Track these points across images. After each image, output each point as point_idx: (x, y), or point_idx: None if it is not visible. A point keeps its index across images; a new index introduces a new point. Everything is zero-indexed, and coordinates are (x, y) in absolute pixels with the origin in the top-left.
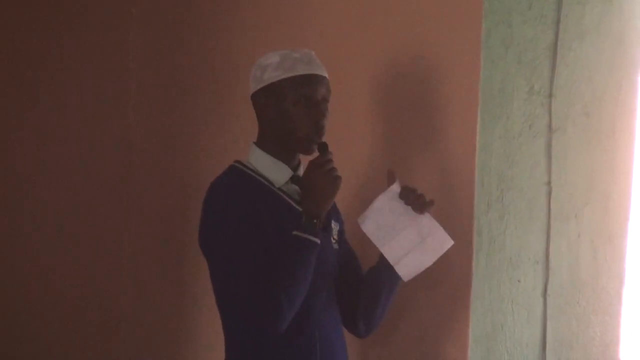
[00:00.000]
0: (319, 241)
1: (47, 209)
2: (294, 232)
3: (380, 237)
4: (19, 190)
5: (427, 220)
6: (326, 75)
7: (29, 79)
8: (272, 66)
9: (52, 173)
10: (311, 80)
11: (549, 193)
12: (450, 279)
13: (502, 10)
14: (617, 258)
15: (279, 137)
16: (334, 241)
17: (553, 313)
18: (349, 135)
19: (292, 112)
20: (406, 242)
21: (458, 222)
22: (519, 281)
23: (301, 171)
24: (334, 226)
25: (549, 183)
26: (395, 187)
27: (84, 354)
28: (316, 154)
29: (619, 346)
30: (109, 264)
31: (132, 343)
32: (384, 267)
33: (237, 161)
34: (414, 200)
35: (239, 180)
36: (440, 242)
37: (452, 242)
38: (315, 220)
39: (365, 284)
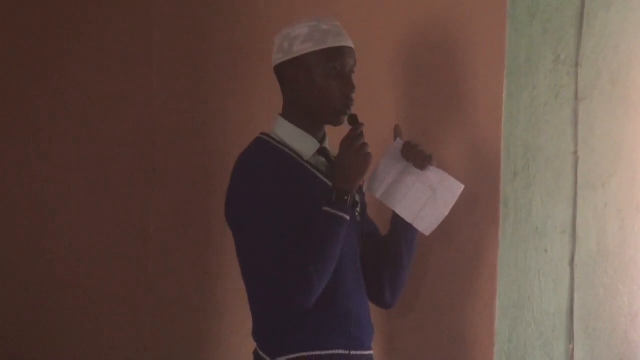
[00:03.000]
0: (348, 217)
1: (74, 183)
2: (324, 208)
3: (392, 198)
4: (49, 166)
5: (432, 172)
6: (353, 46)
7: (52, 56)
8: (300, 38)
9: (78, 148)
10: (341, 53)
11: (576, 162)
12: (476, 249)
13: None
14: None
15: (307, 109)
16: (357, 214)
17: (580, 282)
18: (375, 107)
19: (322, 85)
20: (418, 198)
21: (484, 192)
22: (545, 251)
23: (327, 143)
24: (357, 199)
25: (575, 152)
26: (397, 145)
27: (110, 324)
28: (344, 125)
29: None
30: (136, 237)
31: (158, 315)
32: (400, 229)
33: (264, 133)
34: (415, 157)
35: (267, 153)
36: (451, 189)
37: (462, 187)
38: (346, 197)
39: (385, 251)
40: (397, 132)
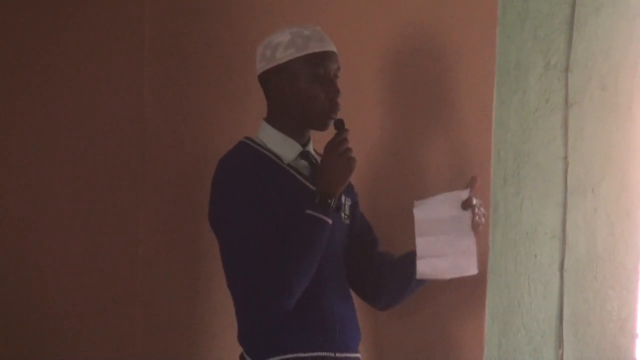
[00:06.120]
0: (331, 221)
1: (60, 189)
2: (307, 211)
3: (422, 228)
4: (34, 172)
5: (467, 241)
6: (336, 50)
7: (40, 58)
8: (283, 45)
9: (66, 154)
10: (324, 58)
11: (566, 167)
12: None
13: None
14: (634, 232)
15: (292, 115)
16: (344, 216)
17: (570, 288)
18: (362, 112)
19: (307, 90)
20: (441, 246)
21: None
22: (535, 256)
23: (311, 147)
24: (346, 201)
25: (565, 157)
26: (464, 194)
27: (98, 339)
28: (331, 130)
29: (637, 321)
30: (125, 243)
31: (147, 320)
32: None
33: (247, 137)
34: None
35: (247, 156)
36: (467, 265)
37: (476, 272)
38: (329, 200)
39: (398, 266)
40: (471, 183)
